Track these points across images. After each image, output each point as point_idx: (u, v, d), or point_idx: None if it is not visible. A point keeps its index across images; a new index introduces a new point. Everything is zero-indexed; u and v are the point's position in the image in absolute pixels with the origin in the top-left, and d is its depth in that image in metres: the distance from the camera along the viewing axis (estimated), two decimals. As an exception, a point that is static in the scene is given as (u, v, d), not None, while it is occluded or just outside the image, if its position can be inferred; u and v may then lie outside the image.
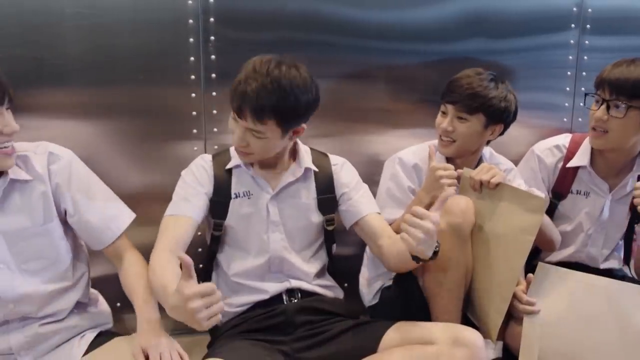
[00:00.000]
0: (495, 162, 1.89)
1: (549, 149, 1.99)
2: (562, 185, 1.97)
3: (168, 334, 1.46)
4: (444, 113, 1.81)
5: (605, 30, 2.26)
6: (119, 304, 1.80)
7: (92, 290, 1.64)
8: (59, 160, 1.47)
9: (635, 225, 2.01)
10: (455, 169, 1.71)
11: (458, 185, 1.72)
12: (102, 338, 1.53)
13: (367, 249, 1.90)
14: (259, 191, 1.64)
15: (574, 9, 2.20)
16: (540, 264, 1.72)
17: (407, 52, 2.05)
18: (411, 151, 1.90)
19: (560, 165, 1.97)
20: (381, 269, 1.80)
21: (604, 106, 1.76)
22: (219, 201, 1.62)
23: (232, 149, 1.67)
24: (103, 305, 1.64)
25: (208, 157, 1.68)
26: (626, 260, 2.08)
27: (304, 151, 1.70)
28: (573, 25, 2.22)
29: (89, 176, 1.54)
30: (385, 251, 1.62)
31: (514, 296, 1.66)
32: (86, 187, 1.51)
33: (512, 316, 1.71)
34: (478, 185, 1.66)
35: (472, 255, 1.66)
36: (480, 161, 1.87)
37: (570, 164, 1.94)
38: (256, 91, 1.41)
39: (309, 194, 1.68)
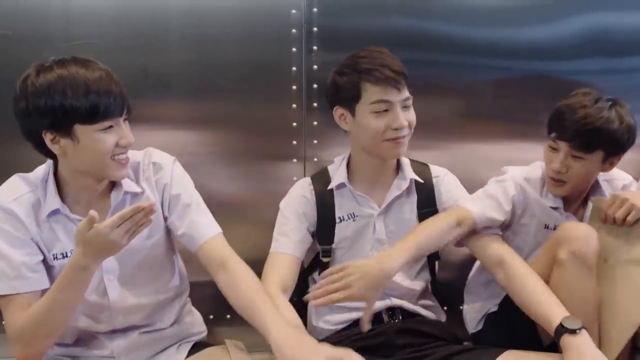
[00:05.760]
0: (609, 178, 1.69)
1: None
2: None
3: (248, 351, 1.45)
4: (553, 149, 1.57)
5: None
6: (211, 316, 1.77)
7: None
8: (161, 169, 1.42)
9: None
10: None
11: None
12: (197, 349, 1.48)
13: (472, 273, 1.78)
14: (364, 210, 1.58)
15: None
16: None
17: (518, 70, 1.96)
18: (520, 171, 1.69)
19: None
20: (486, 293, 1.68)
21: None
22: (324, 226, 1.58)
23: (330, 168, 1.64)
24: (196, 314, 1.59)
25: (307, 182, 1.63)
26: None
27: (406, 162, 1.62)
28: None
29: (187, 181, 1.46)
30: (501, 282, 1.50)
31: None
32: (182, 189, 1.43)
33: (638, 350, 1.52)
34: (611, 220, 1.49)
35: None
36: (595, 185, 1.67)
37: None
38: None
39: (412, 209, 1.60)
